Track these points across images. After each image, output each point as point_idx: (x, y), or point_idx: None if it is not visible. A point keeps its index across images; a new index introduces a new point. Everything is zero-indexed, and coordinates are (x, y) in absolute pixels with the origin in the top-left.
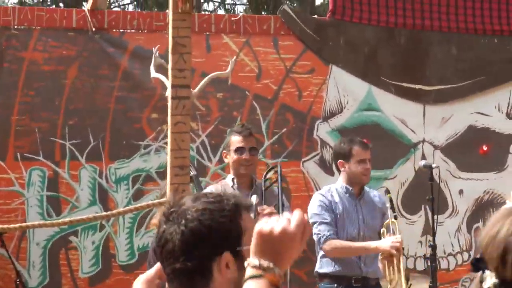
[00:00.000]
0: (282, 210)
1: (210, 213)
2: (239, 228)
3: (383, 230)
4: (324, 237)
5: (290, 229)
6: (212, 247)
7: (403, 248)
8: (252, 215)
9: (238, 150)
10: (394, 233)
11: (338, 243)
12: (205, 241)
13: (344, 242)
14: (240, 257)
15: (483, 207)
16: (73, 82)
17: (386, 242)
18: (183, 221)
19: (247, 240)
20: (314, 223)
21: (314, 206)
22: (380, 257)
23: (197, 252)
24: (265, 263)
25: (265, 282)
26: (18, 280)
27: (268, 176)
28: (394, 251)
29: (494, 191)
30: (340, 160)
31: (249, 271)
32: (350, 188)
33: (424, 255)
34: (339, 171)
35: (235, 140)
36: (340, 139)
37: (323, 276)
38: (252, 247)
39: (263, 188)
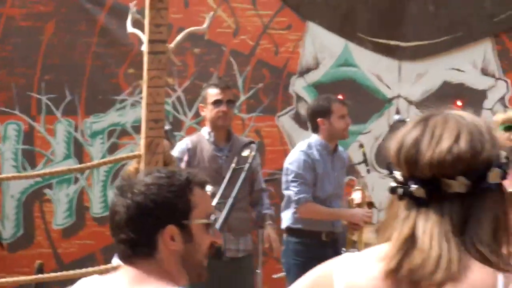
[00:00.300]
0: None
1: (158, 187)
2: (187, 203)
3: (351, 197)
4: (303, 199)
5: None
6: (156, 220)
7: (375, 207)
8: (207, 191)
9: (216, 103)
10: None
11: (315, 207)
12: (149, 215)
13: (320, 207)
14: (187, 231)
15: None
16: (50, 38)
17: (359, 215)
18: (130, 195)
19: (198, 215)
20: (295, 181)
21: (298, 164)
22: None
23: (140, 224)
24: None
25: None
26: None
27: (243, 154)
28: (363, 224)
29: None
30: (319, 118)
31: None
32: (329, 144)
33: None
34: (314, 129)
35: (213, 92)
36: (315, 97)
37: (295, 230)
38: None
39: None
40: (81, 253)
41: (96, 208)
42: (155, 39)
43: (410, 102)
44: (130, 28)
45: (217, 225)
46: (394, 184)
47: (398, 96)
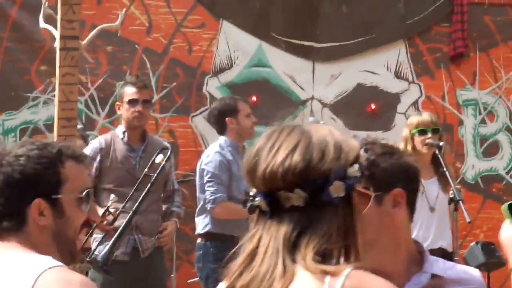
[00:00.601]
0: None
1: (26, 159)
2: (57, 176)
3: None
4: (220, 198)
5: None
6: (23, 192)
7: None
8: (82, 165)
9: (131, 102)
10: None
11: (232, 206)
12: (16, 187)
13: (236, 205)
14: (57, 205)
15: None
16: None
17: None
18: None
19: (70, 189)
20: (211, 181)
21: (214, 165)
22: None
23: (7, 196)
24: None
25: None
26: None
27: (156, 160)
28: None
29: None
30: (228, 117)
31: None
32: (239, 144)
33: None
34: (221, 130)
35: (129, 91)
36: (219, 99)
37: (214, 235)
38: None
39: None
40: None
41: None
42: (68, 35)
43: (324, 104)
44: (42, 24)
45: (120, 229)
46: (245, 197)
47: (312, 98)
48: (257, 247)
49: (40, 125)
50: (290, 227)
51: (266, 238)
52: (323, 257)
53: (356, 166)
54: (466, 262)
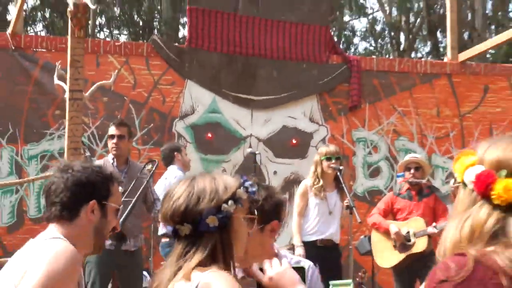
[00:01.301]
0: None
1: (91, 171)
2: (108, 189)
3: None
4: None
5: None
6: (85, 192)
7: None
8: (120, 188)
9: (111, 137)
10: None
11: None
12: (82, 186)
13: None
14: (104, 209)
15: (289, 184)
16: None
17: None
18: (70, 170)
19: (113, 201)
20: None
21: (160, 188)
22: None
23: (73, 192)
24: None
25: None
26: None
27: (146, 168)
28: None
29: (297, 173)
30: (176, 153)
31: None
32: (185, 172)
33: None
34: (170, 162)
35: (110, 129)
36: (168, 143)
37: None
38: None
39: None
40: (21, 244)
41: (32, 211)
42: (74, 89)
43: (259, 140)
44: (56, 81)
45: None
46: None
47: (251, 135)
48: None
49: (55, 153)
50: (182, 248)
51: (172, 255)
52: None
53: (230, 202)
54: (357, 250)
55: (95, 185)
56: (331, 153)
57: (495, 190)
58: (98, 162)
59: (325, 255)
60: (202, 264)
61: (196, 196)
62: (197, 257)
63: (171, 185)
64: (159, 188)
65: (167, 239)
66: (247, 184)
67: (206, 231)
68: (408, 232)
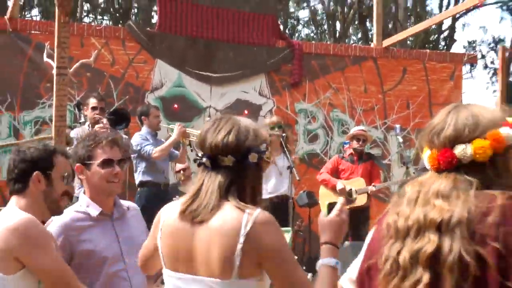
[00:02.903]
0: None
1: (34, 149)
2: (51, 160)
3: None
4: (152, 150)
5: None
6: (29, 167)
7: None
8: (67, 159)
9: (93, 108)
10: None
11: (159, 147)
12: (24, 163)
13: (161, 145)
14: (50, 178)
15: None
16: None
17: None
18: (17, 152)
19: (57, 170)
20: (142, 144)
21: (138, 138)
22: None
23: (19, 169)
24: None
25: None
26: None
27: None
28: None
29: None
30: (143, 116)
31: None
32: (152, 132)
33: None
34: (141, 123)
35: (92, 101)
36: (140, 107)
37: (144, 183)
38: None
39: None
40: None
41: None
42: (61, 66)
43: (216, 110)
44: (45, 59)
45: None
46: (196, 157)
47: (210, 106)
48: (200, 188)
49: (46, 119)
50: (223, 177)
51: (208, 182)
52: (243, 200)
53: (264, 145)
54: (297, 202)
55: (37, 160)
56: (273, 123)
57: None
58: (78, 129)
59: (278, 207)
60: (247, 196)
61: (245, 135)
62: (237, 189)
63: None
64: (134, 141)
65: (148, 187)
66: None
67: (247, 165)
68: (351, 189)
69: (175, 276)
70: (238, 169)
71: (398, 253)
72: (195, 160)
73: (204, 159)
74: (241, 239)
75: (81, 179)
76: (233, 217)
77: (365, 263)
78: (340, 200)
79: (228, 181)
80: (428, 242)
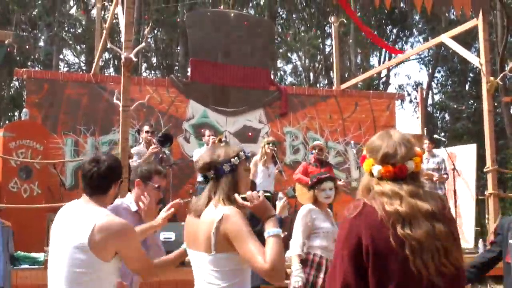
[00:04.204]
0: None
1: (115, 160)
2: (121, 171)
3: None
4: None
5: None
6: (113, 178)
7: None
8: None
9: (147, 132)
10: None
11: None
12: (111, 172)
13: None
14: (120, 186)
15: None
16: (85, 106)
17: None
18: (102, 161)
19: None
20: None
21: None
22: None
23: (106, 177)
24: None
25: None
26: None
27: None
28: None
29: (253, 152)
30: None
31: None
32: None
33: None
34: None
35: (146, 128)
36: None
37: None
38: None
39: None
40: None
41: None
42: (125, 105)
43: (230, 133)
44: (115, 100)
45: None
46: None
47: (226, 131)
48: (200, 195)
49: (116, 141)
50: (213, 185)
51: (205, 191)
52: (225, 198)
53: (235, 159)
54: (286, 194)
55: (118, 170)
56: (270, 141)
57: (364, 166)
58: (135, 148)
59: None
60: (224, 198)
61: (217, 155)
62: (219, 192)
63: None
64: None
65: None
66: (244, 149)
67: (223, 174)
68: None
69: (190, 252)
70: (218, 177)
71: (410, 232)
72: (200, 182)
73: (199, 178)
74: (214, 225)
75: (134, 189)
76: (211, 212)
77: (353, 244)
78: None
79: (212, 188)
80: (429, 226)
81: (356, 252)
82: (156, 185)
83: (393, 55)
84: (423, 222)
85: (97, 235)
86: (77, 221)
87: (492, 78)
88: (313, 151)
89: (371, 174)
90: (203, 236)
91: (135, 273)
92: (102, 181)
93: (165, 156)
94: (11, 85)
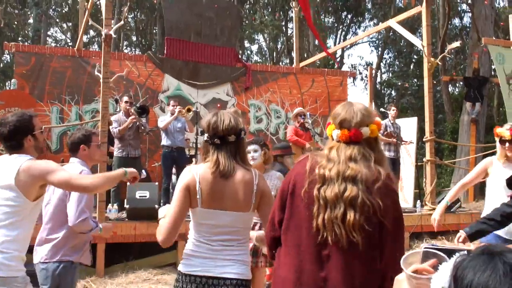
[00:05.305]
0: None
1: (18, 119)
2: (32, 125)
3: None
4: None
5: None
6: (22, 135)
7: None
8: (38, 120)
9: (126, 103)
10: None
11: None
12: (17, 131)
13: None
14: (35, 137)
15: None
16: (69, 76)
17: None
18: (8, 121)
19: (36, 129)
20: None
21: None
22: None
23: (14, 135)
24: None
25: None
26: None
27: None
28: None
29: None
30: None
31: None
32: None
33: None
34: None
35: (125, 99)
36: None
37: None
38: None
39: None
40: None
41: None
42: (105, 77)
43: (201, 104)
44: (96, 73)
45: None
46: (206, 139)
47: (197, 102)
48: (217, 157)
49: (98, 109)
50: (232, 149)
51: (222, 153)
52: (247, 161)
53: (243, 126)
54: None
55: (26, 126)
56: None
57: (327, 130)
58: (114, 116)
59: None
60: (245, 160)
61: (236, 122)
62: (240, 154)
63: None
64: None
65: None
66: None
67: (240, 139)
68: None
69: (209, 212)
70: (238, 142)
71: (324, 192)
72: (206, 141)
73: (215, 139)
74: (255, 187)
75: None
76: (249, 173)
77: (288, 184)
78: None
79: (234, 151)
80: (347, 189)
81: (285, 193)
82: (98, 143)
83: (347, 37)
84: (340, 184)
85: (21, 175)
86: (4, 168)
87: (432, 59)
88: (302, 117)
89: (332, 138)
90: (243, 196)
91: (74, 189)
92: (11, 140)
93: (142, 124)
94: (3, 58)
